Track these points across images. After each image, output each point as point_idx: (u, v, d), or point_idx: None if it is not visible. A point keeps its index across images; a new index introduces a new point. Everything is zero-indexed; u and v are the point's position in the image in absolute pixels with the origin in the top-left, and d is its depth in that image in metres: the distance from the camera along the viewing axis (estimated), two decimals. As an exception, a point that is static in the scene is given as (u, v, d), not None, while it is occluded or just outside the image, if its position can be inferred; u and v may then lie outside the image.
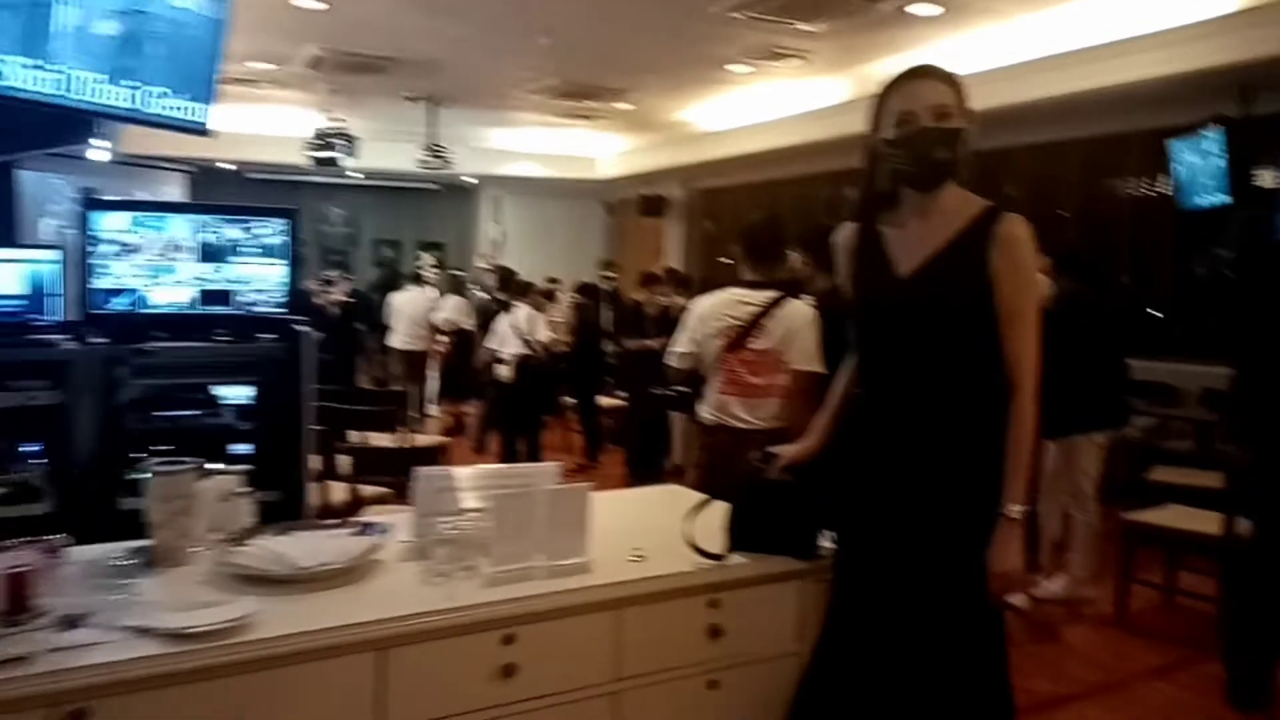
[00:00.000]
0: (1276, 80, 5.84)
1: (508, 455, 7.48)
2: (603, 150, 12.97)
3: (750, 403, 3.31)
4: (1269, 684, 3.25)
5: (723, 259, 11.28)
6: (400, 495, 5.52)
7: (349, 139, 9.42)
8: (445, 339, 9.35)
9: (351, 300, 9.37)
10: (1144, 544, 4.24)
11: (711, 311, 3.42)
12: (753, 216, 3.70)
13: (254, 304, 3.44)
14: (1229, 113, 6.06)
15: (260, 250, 3.46)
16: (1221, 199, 6.03)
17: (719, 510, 2.15)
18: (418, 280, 9.87)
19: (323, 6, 6.45)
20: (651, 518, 2.48)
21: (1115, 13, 6.08)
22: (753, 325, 3.30)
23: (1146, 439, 6.64)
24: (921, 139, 1.84)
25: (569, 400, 8.37)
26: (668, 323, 5.91)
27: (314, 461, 4.68)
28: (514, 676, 1.80)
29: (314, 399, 3.00)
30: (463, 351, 8.98)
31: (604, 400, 8.16)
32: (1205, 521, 4.01)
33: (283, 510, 2.95)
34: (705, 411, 3.43)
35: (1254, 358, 3.24)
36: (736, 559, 2.05)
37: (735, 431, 3.29)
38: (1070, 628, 4.13)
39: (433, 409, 10.02)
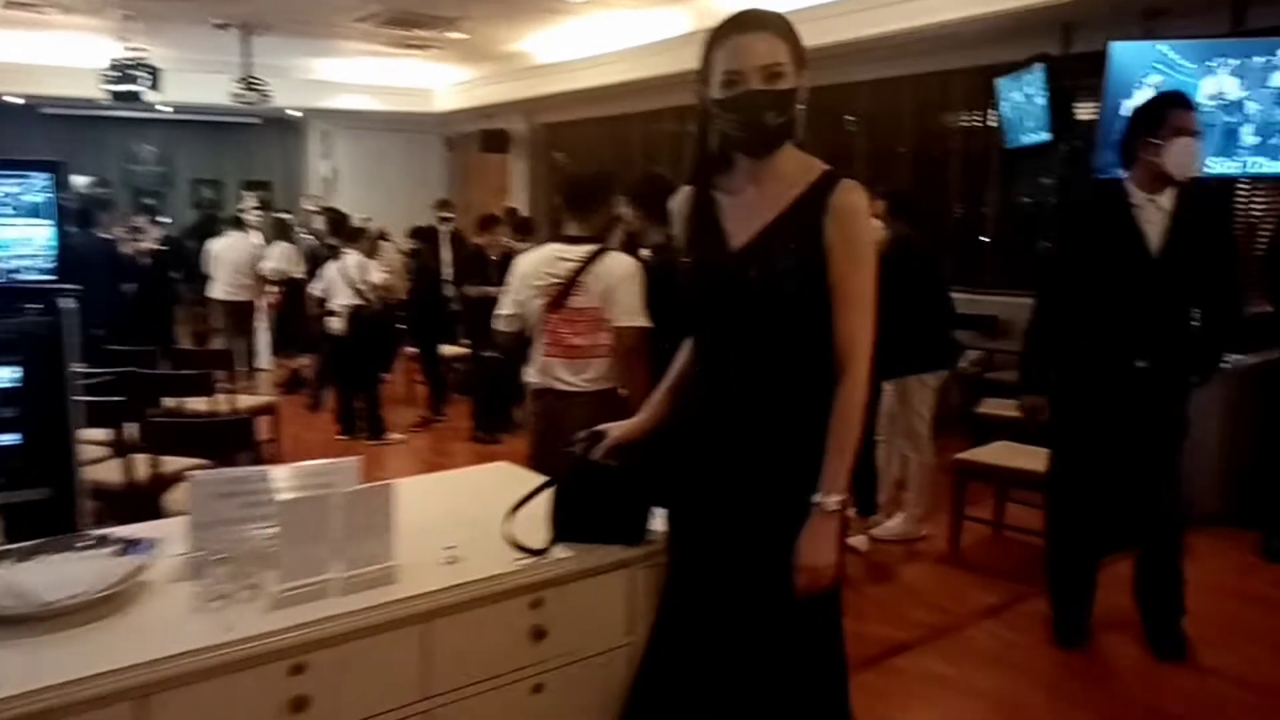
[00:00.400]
0: (1094, 19, 6.01)
1: (344, 413, 7.11)
2: (439, 82, 12.35)
3: (574, 364, 3.16)
4: (1087, 620, 3.38)
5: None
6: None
7: (151, 70, 8.56)
8: (274, 289, 8.76)
9: (164, 248, 8.59)
10: (974, 480, 4.35)
11: (532, 270, 3.25)
12: (575, 167, 3.50)
13: (16, 271, 3.00)
14: (1051, 51, 6.19)
15: (18, 210, 3.01)
16: (1044, 137, 6.19)
17: (545, 495, 1.98)
18: (239, 224, 9.15)
19: (102, -80, 5.74)
20: (475, 504, 2.27)
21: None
22: (572, 282, 3.14)
23: (976, 372, 6.90)
24: (750, 103, 1.67)
25: (411, 350, 8.01)
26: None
27: (98, 435, 4.32)
28: (305, 711, 1.59)
29: (77, 379, 2.63)
30: (294, 302, 8.42)
31: (448, 350, 7.85)
32: (1030, 457, 4.12)
33: (53, 509, 2.62)
34: (531, 374, 3.27)
35: (1051, 288, 3.28)
36: (559, 552, 1.88)
37: (561, 394, 3.16)
38: (908, 566, 4.21)
39: (264, 364, 9.45)
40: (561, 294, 3.15)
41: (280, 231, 9.13)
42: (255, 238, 9.52)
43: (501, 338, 3.39)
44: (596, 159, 11.74)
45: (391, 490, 1.80)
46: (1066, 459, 3.31)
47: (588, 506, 1.91)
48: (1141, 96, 5.56)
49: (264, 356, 9.49)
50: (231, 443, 4.45)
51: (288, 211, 10.71)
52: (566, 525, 1.91)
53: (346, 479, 1.90)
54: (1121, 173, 3.19)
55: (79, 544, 1.80)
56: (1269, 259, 4.27)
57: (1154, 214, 3.07)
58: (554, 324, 3.17)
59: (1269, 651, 3.30)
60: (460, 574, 1.78)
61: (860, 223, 1.73)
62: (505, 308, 3.32)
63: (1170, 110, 3.07)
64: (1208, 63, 5.44)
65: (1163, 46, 5.55)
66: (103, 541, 1.81)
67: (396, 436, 7.05)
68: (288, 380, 8.72)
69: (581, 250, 3.18)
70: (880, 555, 4.30)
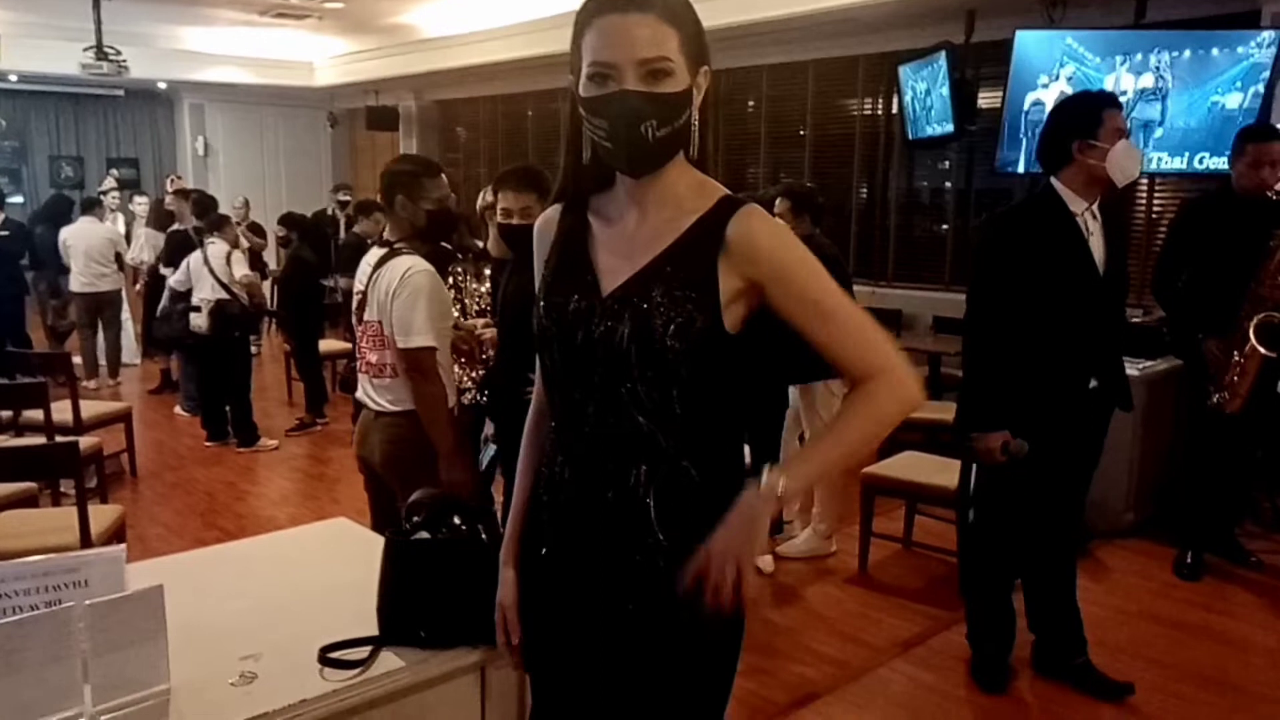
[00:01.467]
0: (997, 6, 5.83)
1: (211, 417, 6.51)
2: (320, 55, 11.60)
3: (374, 381, 2.83)
4: (1008, 657, 3.16)
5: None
6: (56, 494, 4.56)
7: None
8: (140, 279, 8.03)
9: (5, 233, 7.74)
10: (883, 495, 4.12)
11: (357, 278, 2.93)
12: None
13: None
14: (954, 39, 6.01)
15: None
16: (947, 128, 6.01)
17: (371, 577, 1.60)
18: (95, 206, 8.36)
19: None
20: (298, 579, 1.87)
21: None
22: (365, 293, 2.81)
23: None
24: (624, 108, 1.27)
25: (286, 347, 7.44)
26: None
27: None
28: None
29: None
30: (158, 294, 7.69)
31: (329, 345, 7.30)
32: (939, 470, 3.91)
33: None
34: (358, 389, 2.96)
35: (972, 303, 2.96)
36: (388, 660, 1.50)
37: (371, 412, 2.85)
38: (816, 587, 3.95)
39: (133, 362, 8.71)
40: (360, 305, 2.85)
41: (156, 217, 8.36)
42: (114, 222, 8.77)
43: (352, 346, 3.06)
44: (489, 137, 11.27)
45: (159, 593, 1.39)
46: (1001, 482, 2.99)
47: (422, 598, 1.52)
48: (1055, 89, 5.43)
49: (129, 354, 8.76)
50: (55, 470, 3.92)
51: (140, 192, 9.83)
52: (396, 623, 1.52)
53: (108, 576, 1.47)
54: (1053, 178, 2.88)
55: None
56: (1162, 268, 4.08)
57: (1091, 224, 2.83)
58: (360, 335, 2.87)
59: (1194, 687, 3.12)
60: (254, 701, 1.39)
61: (784, 249, 1.34)
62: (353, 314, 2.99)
63: (1106, 110, 2.80)
64: (1115, 56, 5.32)
65: (1070, 39, 5.40)
66: None
67: (270, 443, 6.49)
68: (160, 381, 8.02)
69: (378, 255, 2.82)
70: (787, 575, 4.03)
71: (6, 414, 5.11)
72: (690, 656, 1.37)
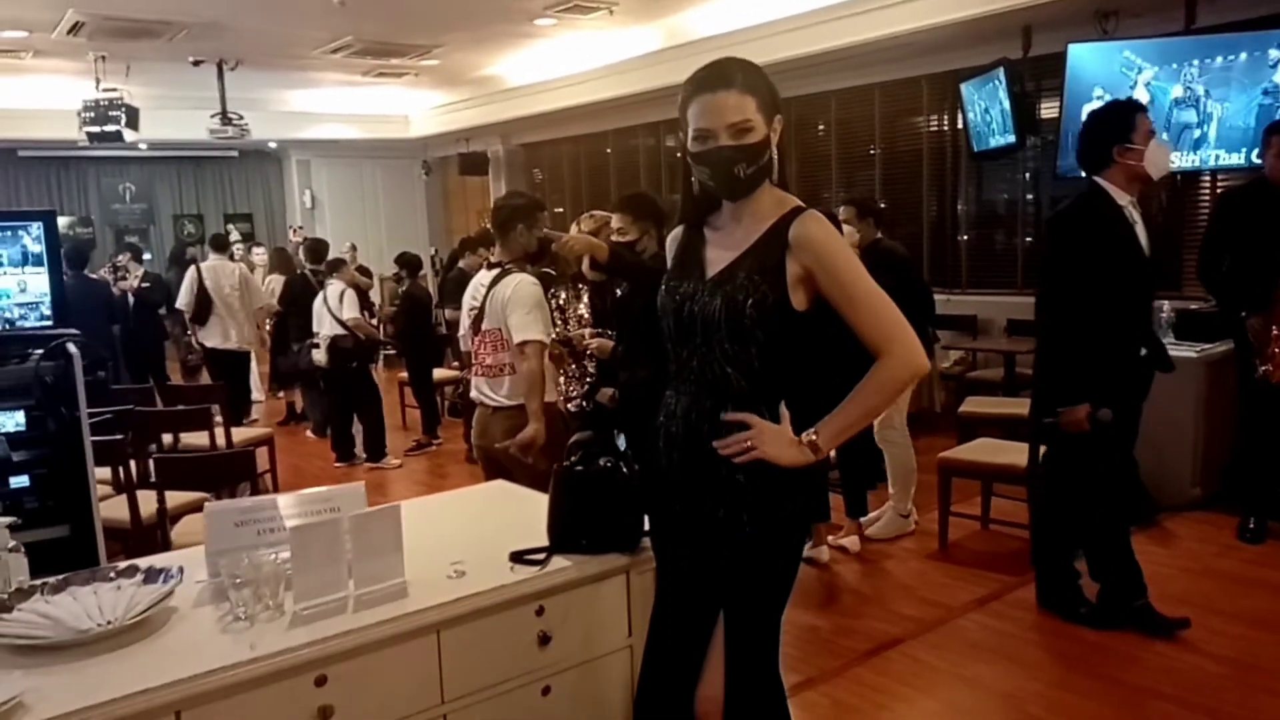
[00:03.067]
0: (1051, 21, 6.17)
1: (340, 441, 7.19)
2: (416, 108, 12.46)
3: (491, 381, 3.45)
4: (1076, 592, 3.53)
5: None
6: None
7: (127, 109, 8.63)
8: (268, 322, 8.82)
9: (147, 285, 8.64)
10: (959, 476, 4.47)
11: (467, 297, 3.61)
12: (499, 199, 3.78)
13: (16, 319, 3.09)
14: (1012, 54, 6.36)
15: (13, 259, 3.10)
16: (1009, 139, 6.35)
17: (541, 507, 2.10)
18: (223, 249, 9.20)
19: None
20: (476, 521, 2.40)
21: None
22: (483, 307, 3.44)
23: (960, 372, 7.05)
24: (720, 158, 1.77)
25: (403, 376, 8.10)
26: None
27: (104, 474, 4.40)
28: (331, 718, 1.69)
29: (88, 418, 2.72)
30: (283, 334, 8.44)
31: (440, 373, 7.94)
32: (1012, 453, 4.26)
33: (72, 546, 2.70)
34: (472, 390, 3.63)
35: (1046, 293, 3.39)
36: (559, 562, 1.99)
37: (486, 409, 3.48)
38: (898, 563, 4.33)
39: (258, 398, 9.50)
40: (478, 319, 3.47)
41: (281, 263, 9.18)
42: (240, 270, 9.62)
43: (464, 358, 3.69)
44: (573, 176, 11.92)
45: (398, 511, 1.91)
46: (1074, 454, 3.39)
47: (581, 516, 2.01)
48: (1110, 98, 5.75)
49: (255, 391, 9.55)
50: (234, 475, 4.54)
51: (256, 243, 10.71)
52: (564, 536, 2.02)
53: (353, 503, 2.00)
54: (1096, 178, 3.31)
55: (107, 575, 1.89)
56: (1206, 254, 4.41)
57: (1135, 214, 3.28)
58: (476, 345, 3.50)
59: (1246, 628, 3.42)
60: (466, 586, 1.89)
61: (827, 245, 1.79)
62: (460, 330, 3.71)
63: (1137, 115, 3.27)
64: (1171, 64, 5.61)
65: (1128, 50, 5.71)
66: (129, 572, 1.90)
67: (394, 461, 7.14)
68: (285, 414, 8.78)
69: (491, 275, 3.48)
70: (871, 554, 4.41)
71: (168, 438, 5.84)
72: (762, 553, 1.82)
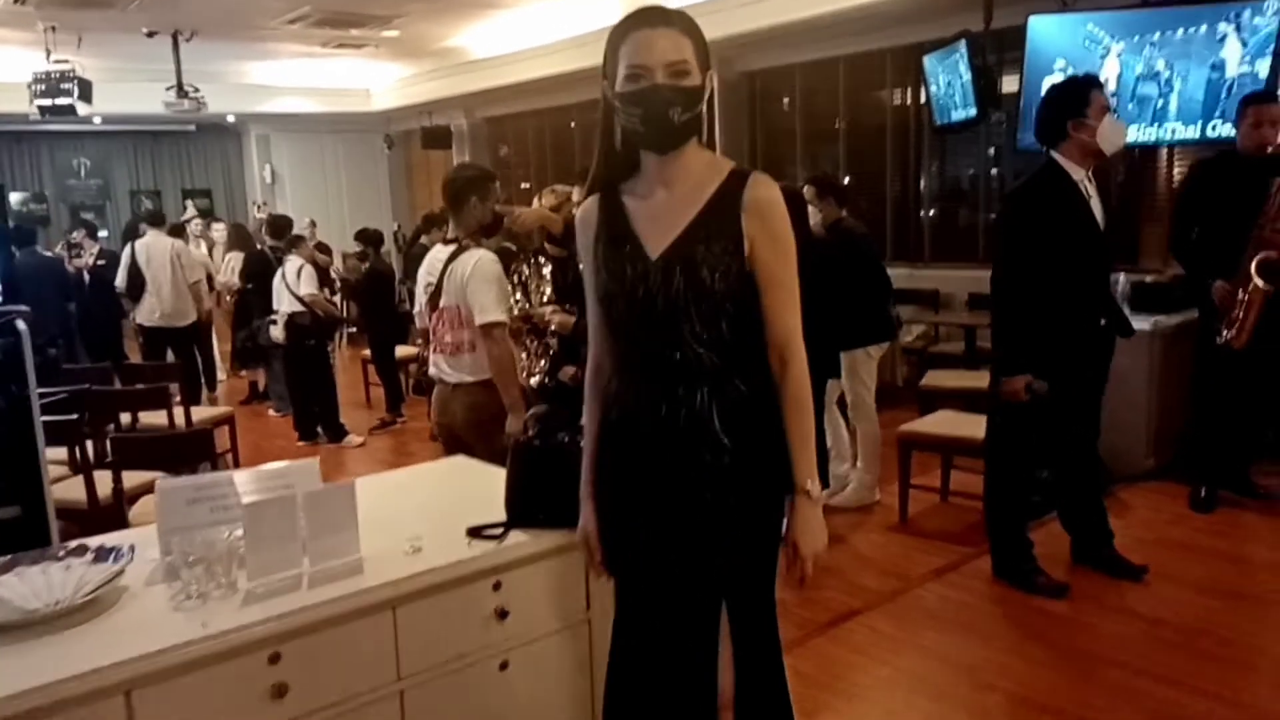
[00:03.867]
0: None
1: (302, 419, 7.13)
2: (377, 81, 12.27)
3: (451, 359, 3.39)
4: (1030, 561, 3.63)
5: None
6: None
7: (79, 81, 8.42)
8: (228, 299, 8.69)
9: (103, 263, 8.47)
10: (920, 450, 4.52)
11: (422, 273, 3.52)
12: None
13: (-38, 294, 3.03)
14: (974, 27, 6.38)
15: (-38, 232, 3.03)
16: (971, 113, 6.38)
17: (499, 482, 2.09)
18: (180, 234, 9.06)
19: (22, -66, 5.67)
20: (436, 497, 2.40)
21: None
22: (440, 283, 3.38)
23: (921, 346, 7.11)
24: (655, 97, 1.66)
25: (365, 353, 8.04)
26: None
27: (57, 454, 4.34)
28: (285, 696, 1.69)
29: (40, 397, 2.67)
30: (246, 311, 8.32)
31: (403, 350, 7.88)
32: (971, 426, 4.31)
33: (24, 527, 2.66)
34: (429, 368, 3.55)
35: (1001, 266, 3.46)
36: (516, 537, 1.99)
37: (447, 386, 3.41)
38: (860, 535, 4.38)
39: (221, 377, 9.38)
40: (435, 295, 3.40)
41: (239, 240, 9.04)
42: (198, 247, 9.45)
43: (418, 333, 3.66)
44: (538, 150, 11.83)
45: (352, 488, 1.90)
46: (1013, 423, 3.50)
47: (539, 491, 2.01)
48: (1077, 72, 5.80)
49: (220, 368, 9.43)
50: (192, 455, 4.48)
51: (215, 219, 10.56)
52: (521, 510, 2.02)
53: (308, 479, 1.99)
54: (1052, 152, 3.37)
55: (55, 555, 1.87)
56: (1176, 225, 4.49)
57: (1089, 188, 3.36)
58: (434, 321, 3.43)
59: (1196, 594, 3.50)
60: (423, 562, 1.89)
61: (779, 214, 1.73)
62: (415, 306, 3.62)
63: (1093, 91, 3.34)
64: (1134, 37, 5.65)
65: (1090, 23, 5.74)
66: (78, 551, 1.88)
67: (356, 439, 7.09)
68: (249, 393, 8.67)
69: (448, 251, 3.40)
70: (833, 525, 4.40)
71: (126, 418, 5.76)
72: (754, 531, 1.79)
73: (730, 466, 1.73)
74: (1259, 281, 3.93)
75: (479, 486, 2.35)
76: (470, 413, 3.31)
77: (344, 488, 1.90)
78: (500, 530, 1.98)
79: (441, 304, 3.38)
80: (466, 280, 3.26)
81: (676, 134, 1.71)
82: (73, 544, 1.95)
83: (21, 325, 2.62)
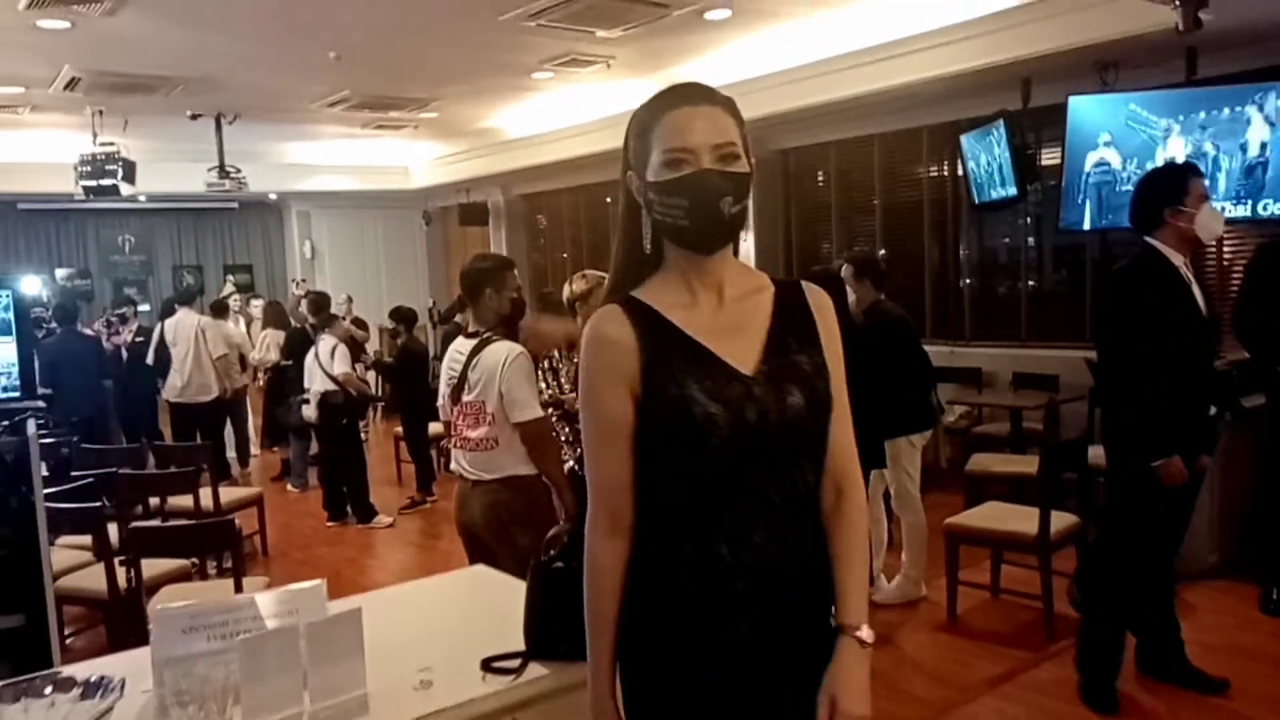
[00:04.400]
0: (1050, 72, 6.11)
1: (331, 499, 7.03)
2: (415, 159, 12.46)
3: (472, 455, 3.27)
4: (1179, 646, 3.47)
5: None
6: (203, 570, 5.05)
7: (124, 162, 8.59)
8: (262, 376, 8.70)
9: (140, 340, 8.53)
10: (968, 544, 4.30)
11: (445, 365, 3.43)
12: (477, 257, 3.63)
13: (-18, 390, 2.97)
14: (1011, 106, 6.29)
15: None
16: (1010, 191, 6.27)
17: (520, 596, 1.94)
18: (223, 312, 9.14)
19: (64, 25, 5.79)
20: (451, 613, 2.25)
21: (902, 11, 6.21)
22: (463, 377, 3.28)
23: (965, 426, 6.89)
24: (704, 184, 1.38)
25: (398, 431, 7.97)
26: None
27: (80, 540, 4.26)
28: None
29: (43, 500, 2.58)
30: (281, 388, 8.30)
31: (437, 428, 7.78)
32: (1022, 519, 4.09)
33: (26, 636, 2.55)
34: (451, 462, 3.47)
35: (1108, 348, 3.35)
36: (536, 670, 1.83)
37: (469, 482, 3.29)
38: (907, 634, 4.14)
39: (254, 452, 9.36)
40: (458, 389, 3.29)
41: (276, 317, 9.09)
42: (236, 324, 9.51)
43: (444, 426, 3.55)
44: (573, 226, 11.87)
45: (359, 615, 1.76)
46: (1137, 505, 3.30)
47: (560, 618, 1.85)
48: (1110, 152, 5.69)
49: (254, 444, 9.41)
50: (214, 545, 4.38)
51: (255, 295, 10.65)
52: (541, 640, 1.86)
53: (313, 604, 1.85)
54: (1149, 238, 3.29)
55: (40, 690, 1.74)
56: (1241, 307, 4.30)
57: (1189, 274, 3.27)
58: (456, 415, 3.32)
59: (1272, 716, 3.23)
60: (434, 700, 1.73)
61: (836, 323, 1.53)
62: (440, 398, 3.50)
63: (1191, 179, 3.25)
64: (1175, 116, 5.54)
65: (1133, 103, 5.64)
66: (65, 684, 1.75)
67: (385, 519, 6.97)
68: (280, 470, 8.62)
69: (470, 344, 3.31)
70: (878, 624, 4.19)
71: (154, 501, 5.69)
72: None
73: (819, 606, 1.47)
74: None
75: (498, 602, 2.19)
76: (490, 511, 3.19)
77: (350, 615, 1.76)
78: (518, 663, 1.82)
79: (465, 398, 3.26)
80: (497, 377, 3.16)
81: (725, 229, 1.44)
82: (62, 673, 1.82)
83: (32, 427, 2.55)
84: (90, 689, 1.73)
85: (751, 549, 1.41)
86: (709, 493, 1.42)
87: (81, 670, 1.84)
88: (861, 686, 1.42)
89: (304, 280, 11.54)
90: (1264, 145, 5.35)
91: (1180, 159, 5.35)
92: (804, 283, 1.56)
